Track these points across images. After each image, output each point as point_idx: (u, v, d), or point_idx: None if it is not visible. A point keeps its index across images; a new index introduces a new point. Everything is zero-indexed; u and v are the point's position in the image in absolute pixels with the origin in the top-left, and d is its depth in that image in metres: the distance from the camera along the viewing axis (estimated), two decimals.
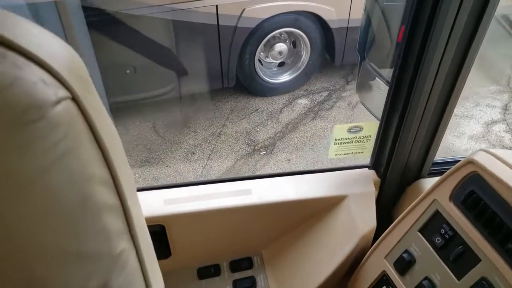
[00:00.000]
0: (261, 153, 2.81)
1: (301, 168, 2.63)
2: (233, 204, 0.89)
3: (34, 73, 0.26)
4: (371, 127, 0.86)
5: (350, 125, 0.85)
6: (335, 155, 0.90)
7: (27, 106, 0.25)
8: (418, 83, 0.76)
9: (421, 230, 0.75)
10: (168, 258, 0.94)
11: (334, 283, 0.90)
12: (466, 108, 3.12)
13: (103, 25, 2.54)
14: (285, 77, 3.28)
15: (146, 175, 2.62)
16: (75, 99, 0.30)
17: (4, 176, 0.26)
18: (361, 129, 0.86)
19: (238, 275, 0.96)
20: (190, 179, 2.58)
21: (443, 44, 0.69)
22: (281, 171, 2.59)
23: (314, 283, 0.88)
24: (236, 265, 0.98)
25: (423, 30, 0.70)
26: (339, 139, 0.87)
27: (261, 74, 3.15)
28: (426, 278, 0.73)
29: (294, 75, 3.27)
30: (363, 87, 1.17)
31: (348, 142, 0.88)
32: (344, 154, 0.90)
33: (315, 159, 2.75)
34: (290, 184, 0.93)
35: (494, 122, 3.01)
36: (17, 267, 0.29)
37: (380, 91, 1.15)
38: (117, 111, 3.06)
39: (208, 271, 0.97)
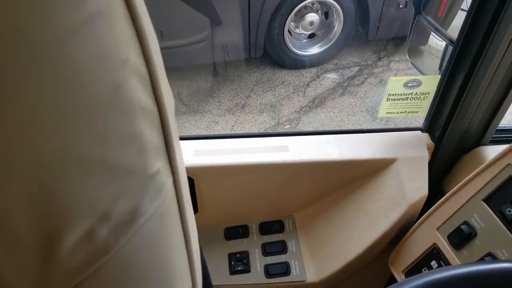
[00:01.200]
0: (285, 127, 2.73)
1: None
2: (267, 160, 0.80)
3: None
4: (431, 82, 0.76)
5: (407, 78, 0.75)
6: (387, 113, 0.80)
7: None
8: (492, 40, 0.66)
9: (486, 199, 0.65)
10: (195, 214, 0.87)
11: (373, 254, 0.82)
12: None
13: None
14: (314, 50, 3.15)
15: None
16: None
17: (20, 37, 0.18)
18: (419, 83, 0.76)
19: (268, 239, 0.89)
20: None
21: None
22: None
23: (351, 253, 0.80)
24: (266, 228, 0.90)
25: None
26: (393, 94, 0.77)
27: (290, 45, 3.04)
28: (489, 254, 0.63)
29: (324, 47, 3.15)
30: (414, 49, 1.06)
31: (403, 99, 0.78)
32: (397, 112, 0.80)
33: None
34: (332, 143, 0.83)
35: None
36: (28, 178, 0.21)
37: (431, 56, 1.04)
38: None
39: (236, 232, 0.90)
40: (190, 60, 3.01)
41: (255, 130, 2.69)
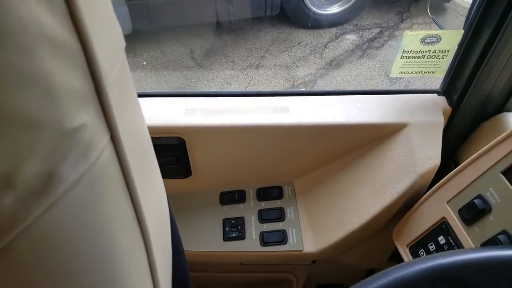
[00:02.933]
0: None
1: None
2: (265, 122, 0.74)
3: None
4: (451, 38, 0.67)
5: (425, 32, 0.66)
6: (400, 72, 0.71)
7: None
8: None
9: (505, 172, 0.58)
10: (188, 178, 0.82)
11: (377, 226, 0.76)
12: None
13: None
14: (334, 9, 3.01)
15: None
16: None
17: None
18: (438, 39, 0.67)
19: (265, 205, 0.84)
20: None
21: None
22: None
23: (353, 224, 0.74)
24: (264, 194, 0.85)
25: None
26: (408, 51, 0.68)
27: (308, 3, 2.90)
28: (503, 233, 0.57)
29: (345, 7, 2.99)
30: (437, 7, 0.95)
31: (419, 57, 0.69)
32: (411, 72, 0.71)
33: None
34: (337, 104, 0.76)
35: None
36: None
37: (455, 14, 0.93)
38: (153, 33, 2.96)
39: (232, 197, 0.85)
40: (204, 17, 2.91)
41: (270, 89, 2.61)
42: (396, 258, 0.91)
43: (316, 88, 2.60)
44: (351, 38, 3.01)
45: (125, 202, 0.29)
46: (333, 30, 3.04)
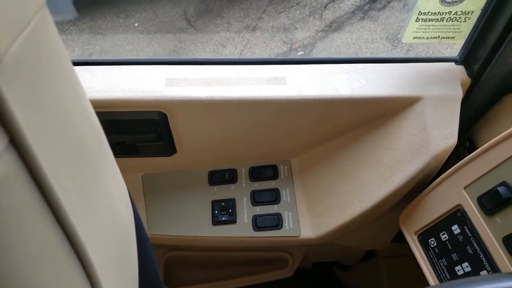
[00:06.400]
0: (298, 53, 2.55)
1: None
2: (259, 95, 0.64)
3: None
4: None
5: None
6: (414, 38, 0.62)
7: None
8: None
9: None
10: (172, 156, 0.73)
11: (382, 211, 0.68)
12: None
13: None
14: None
15: None
16: None
17: None
18: None
19: (259, 186, 0.76)
20: None
21: None
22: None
23: (356, 208, 0.66)
24: (257, 173, 0.77)
25: None
26: (425, 13, 0.58)
27: None
28: None
29: None
30: None
31: (437, 20, 0.59)
32: (427, 38, 0.62)
33: None
34: (341, 74, 0.66)
35: None
36: None
37: None
38: None
39: (222, 176, 0.77)
40: None
41: (265, 56, 2.51)
42: (399, 240, 0.84)
43: (315, 53, 2.49)
44: None
45: (47, 227, 0.20)
46: None
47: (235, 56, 2.49)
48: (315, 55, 2.51)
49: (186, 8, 2.81)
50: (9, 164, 0.18)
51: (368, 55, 2.50)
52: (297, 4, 2.84)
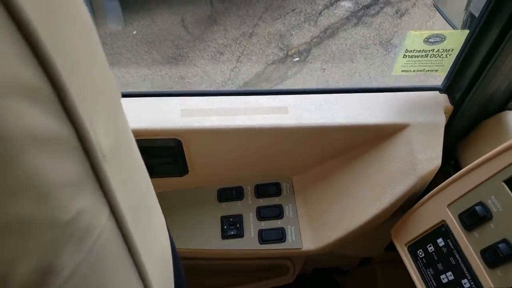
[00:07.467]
0: (294, 59, 2.60)
1: (338, 80, 2.41)
2: (264, 123, 0.72)
3: None
4: (456, 38, 0.64)
5: (429, 32, 0.64)
6: (402, 71, 0.69)
7: None
8: None
9: (508, 181, 0.57)
10: (184, 176, 0.81)
11: (375, 225, 0.76)
12: None
13: None
14: None
15: (173, 73, 2.48)
16: None
17: None
18: (443, 39, 0.64)
19: (263, 202, 0.83)
20: (218, 81, 2.44)
21: None
22: (314, 80, 2.41)
23: (352, 223, 0.74)
24: (262, 190, 0.84)
25: None
26: (410, 51, 0.66)
27: None
28: (504, 241, 0.57)
29: None
30: None
31: (422, 56, 0.67)
32: (413, 71, 0.69)
33: (352, 70, 2.53)
34: (337, 104, 0.74)
35: None
36: None
37: None
38: (144, 0, 2.87)
39: (230, 194, 0.84)
40: None
41: (262, 62, 2.56)
42: (392, 249, 0.92)
43: (311, 59, 2.55)
44: (346, 5, 2.93)
45: (128, 267, 0.28)
46: None
47: (232, 63, 2.55)
48: (311, 61, 2.57)
49: (183, 16, 2.85)
50: (109, 231, 0.25)
51: (362, 60, 2.57)
52: (292, 10, 2.89)
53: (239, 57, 2.65)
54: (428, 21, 2.71)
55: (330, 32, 2.80)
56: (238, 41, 2.74)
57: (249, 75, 2.47)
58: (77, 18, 0.22)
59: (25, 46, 0.17)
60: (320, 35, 2.79)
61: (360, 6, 2.96)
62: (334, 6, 2.97)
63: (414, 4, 2.92)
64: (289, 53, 2.69)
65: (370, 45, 2.73)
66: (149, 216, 0.35)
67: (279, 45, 2.73)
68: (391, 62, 2.53)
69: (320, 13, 2.92)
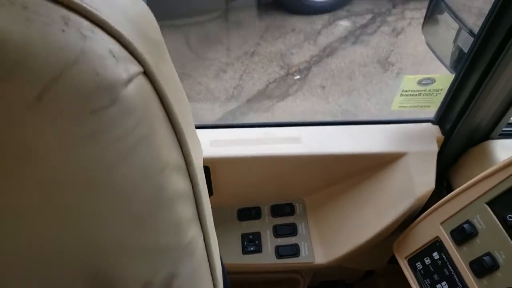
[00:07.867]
0: (295, 78, 2.70)
1: (337, 97, 2.52)
2: (280, 152, 0.83)
3: (102, 44, 0.19)
4: (444, 80, 0.76)
5: (421, 76, 0.75)
6: (399, 107, 0.80)
7: (94, 88, 0.19)
8: None
9: (490, 203, 0.68)
10: (210, 197, 0.91)
11: (379, 240, 0.87)
12: None
13: None
14: None
15: None
16: (147, 72, 0.23)
17: (68, 172, 0.20)
18: (433, 81, 0.76)
19: (279, 221, 0.94)
20: (222, 99, 2.53)
21: None
22: (315, 98, 2.51)
23: (358, 239, 0.85)
24: (278, 210, 0.95)
25: None
26: (406, 91, 0.77)
27: None
28: (488, 254, 0.67)
29: None
30: (431, 28, 1.03)
31: (416, 95, 0.78)
32: (409, 106, 0.81)
33: (351, 87, 2.63)
34: (343, 135, 0.85)
35: None
36: (82, 259, 0.25)
37: (447, 26, 1.01)
38: None
39: (249, 213, 0.95)
40: (199, 4, 2.91)
41: (264, 80, 2.65)
42: (394, 262, 1.03)
43: (310, 77, 2.65)
44: (344, 24, 3.04)
45: (210, 280, 0.38)
46: (326, 17, 3.06)
47: (235, 81, 2.64)
48: (311, 79, 2.67)
49: (187, 35, 2.94)
50: (202, 242, 0.36)
51: (360, 78, 2.67)
52: (292, 30, 2.99)
53: (242, 75, 2.72)
54: (423, 40, 2.83)
55: (329, 51, 2.88)
56: (241, 60, 2.81)
57: (251, 93, 2.55)
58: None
59: (173, 134, 0.28)
60: (320, 53, 2.86)
61: (358, 25, 3.06)
62: (332, 25, 3.06)
63: (410, 23, 3.03)
64: (290, 71, 2.76)
65: (368, 63, 2.81)
66: (213, 230, 0.45)
67: (280, 64, 2.80)
68: (388, 80, 2.63)
69: (319, 32, 3.00)
